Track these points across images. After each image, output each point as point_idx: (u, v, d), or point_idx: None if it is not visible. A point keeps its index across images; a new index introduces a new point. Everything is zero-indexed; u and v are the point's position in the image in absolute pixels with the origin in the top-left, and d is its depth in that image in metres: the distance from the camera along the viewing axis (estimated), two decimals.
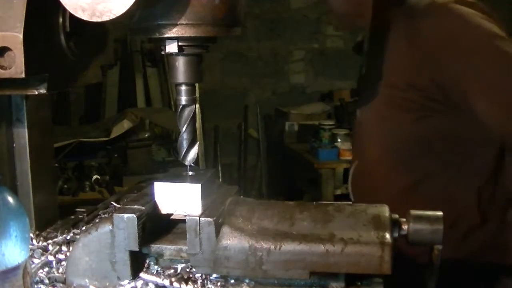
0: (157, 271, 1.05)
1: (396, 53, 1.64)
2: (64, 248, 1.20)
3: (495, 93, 1.53)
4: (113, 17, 0.88)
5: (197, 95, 1.13)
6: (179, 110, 1.08)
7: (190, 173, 1.12)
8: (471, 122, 1.56)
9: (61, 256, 1.16)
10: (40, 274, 1.09)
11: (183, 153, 1.10)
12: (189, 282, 1.01)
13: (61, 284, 1.07)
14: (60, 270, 1.11)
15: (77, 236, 1.21)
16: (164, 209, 1.07)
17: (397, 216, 1.03)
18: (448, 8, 1.59)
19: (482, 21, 1.58)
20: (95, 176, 3.29)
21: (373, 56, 1.78)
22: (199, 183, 1.06)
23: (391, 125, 1.68)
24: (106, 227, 1.02)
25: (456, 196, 1.64)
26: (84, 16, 0.89)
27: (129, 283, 1.02)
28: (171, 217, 1.06)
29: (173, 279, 1.01)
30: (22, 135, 1.30)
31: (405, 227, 1.01)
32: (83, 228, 1.29)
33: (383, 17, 1.69)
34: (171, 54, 1.05)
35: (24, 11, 0.98)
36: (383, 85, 1.67)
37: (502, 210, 1.65)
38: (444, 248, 0.99)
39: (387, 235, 0.96)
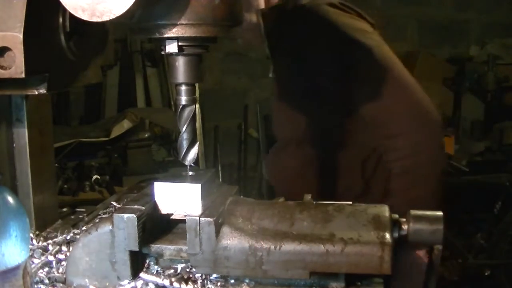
0: (157, 271, 1.05)
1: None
2: (64, 248, 1.20)
3: (365, 81, 1.76)
4: (113, 17, 0.88)
5: (197, 95, 1.13)
6: (179, 110, 1.08)
7: (190, 173, 1.12)
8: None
9: (61, 256, 1.16)
10: (40, 274, 1.09)
11: (183, 153, 1.10)
12: (189, 282, 1.01)
13: (61, 284, 1.07)
14: (60, 270, 1.11)
15: (77, 236, 1.21)
16: (164, 209, 1.07)
17: (397, 216, 1.03)
18: (309, 10, 1.83)
19: (344, 18, 1.81)
20: (95, 176, 3.30)
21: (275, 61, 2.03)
22: (199, 183, 1.06)
23: (292, 113, 1.92)
24: (106, 227, 1.02)
25: (343, 171, 1.86)
26: (84, 16, 0.89)
27: (129, 283, 1.02)
28: (171, 217, 1.06)
29: (173, 279, 1.01)
30: (22, 135, 1.30)
31: (405, 227, 1.01)
32: (83, 228, 1.29)
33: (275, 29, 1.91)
34: (171, 54, 1.05)
35: (24, 11, 0.98)
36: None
37: (385, 180, 1.84)
38: None
39: (387, 235, 0.96)
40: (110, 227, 1.01)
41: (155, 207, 1.07)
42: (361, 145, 1.87)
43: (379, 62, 1.75)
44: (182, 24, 0.98)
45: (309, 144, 1.91)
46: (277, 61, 2.00)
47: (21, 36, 0.97)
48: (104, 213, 1.40)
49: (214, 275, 1.02)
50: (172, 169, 1.18)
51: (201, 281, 1.03)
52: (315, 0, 1.88)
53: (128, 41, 4.81)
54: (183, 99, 1.07)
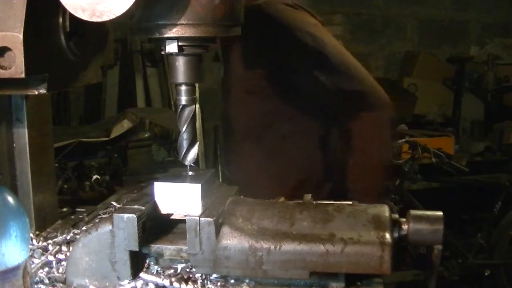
0: (157, 271, 1.05)
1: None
2: (64, 248, 1.20)
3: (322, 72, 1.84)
4: (113, 17, 0.88)
5: (197, 95, 1.13)
6: (179, 110, 1.08)
7: (190, 173, 1.12)
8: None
9: (61, 256, 1.16)
10: (40, 274, 1.09)
11: (183, 153, 1.10)
12: (189, 282, 1.01)
13: (61, 284, 1.07)
14: (60, 270, 1.11)
15: (77, 236, 1.21)
16: (164, 209, 1.07)
17: (397, 216, 1.03)
18: (265, 8, 1.90)
19: (299, 15, 1.91)
20: (95, 176, 3.29)
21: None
22: (199, 183, 1.06)
23: (247, 107, 2.00)
24: (106, 227, 1.02)
25: (303, 162, 1.97)
26: (84, 16, 0.89)
27: (129, 283, 1.02)
28: (171, 217, 1.06)
29: (173, 279, 1.01)
30: (22, 135, 1.30)
31: (405, 227, 1.01)
32: (83, 228, 1.29)
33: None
34: (171, 54, 1.05)
35: (24, 11, 0.98)
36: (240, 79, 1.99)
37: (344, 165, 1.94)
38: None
39: (387, 235, 0.96)
40: (110, 227, 1.01)
41: (155, 207, 1.07)
42: (318, 132, 1.98)
43: (335, 53, 1.86)
44: (182, 24, 0.98)
45: (268, 137, 2.00)
46: (234, 60, 2.05)
47: (21, 36, 0.97)
48: (104, 213, 1.40)
49: (214, 275, 1.02)
50: (172, 169, 1.18)
51: (201, 281, 1.03)
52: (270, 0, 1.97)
53: (128, 41, 4.81)
54: (183, 99, 1.07)
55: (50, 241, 1.23)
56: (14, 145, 1.30)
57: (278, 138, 1.99)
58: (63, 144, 3.27)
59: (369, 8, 5.75)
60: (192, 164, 1.12)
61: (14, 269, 0.89)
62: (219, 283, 1.02)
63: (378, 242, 0.95)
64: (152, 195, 1.08)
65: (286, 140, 1.99)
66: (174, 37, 1.01)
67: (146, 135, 3.87)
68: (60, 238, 1.24)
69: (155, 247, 1.04)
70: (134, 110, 4.18)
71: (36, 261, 1.14)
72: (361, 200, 1.09)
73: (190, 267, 1.03)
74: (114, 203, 1.44)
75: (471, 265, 3.94)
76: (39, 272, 1.10)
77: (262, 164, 2.01)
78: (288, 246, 0.97)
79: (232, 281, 1.02)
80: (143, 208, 1.02)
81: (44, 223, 1.35)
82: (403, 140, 4.01)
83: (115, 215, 1.00)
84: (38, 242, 1.23)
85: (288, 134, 1.98)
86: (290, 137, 1.98)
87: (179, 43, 1.02)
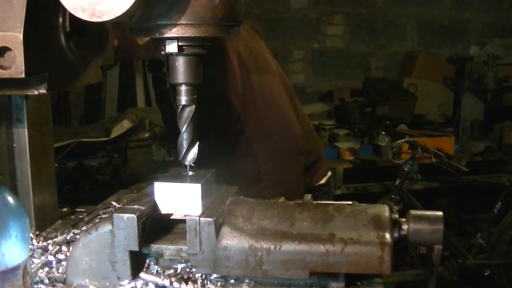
0: (157, 271, 1.05)
1: None
2: (64, 248, 1.20)
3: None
4: (113, 17, 0.88)
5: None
6: (179, 110, 1.08)
7: (190, 173, 1.12)
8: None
9: (61, 256, 1.16)
10: (40, 274, 1.09)
11: (183, 153, 1.10)
12: (189, 282, 1.01)
13: (61, 284, 1.07)
14: (60, 270, 1.11)
15: (77, 236, 1.21)
16: (164, 209, 1.07)
17: (397, 216, 1.03)
18: None
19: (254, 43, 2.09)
20: (95, 176, 3.30)
21: None
22: (199, 183, 1.06)
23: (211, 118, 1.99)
24: (106, 227, 1.02)
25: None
26: (84, 16, 0.89)
27: (129, 283, 1.02)
28: (171, 217, 1.06)
29: (173, 279, 1.01)
30: (22, 135, 1.30)
31: (405, 227, 1.01)
32: (83, 228, 1.29)
33: None
34: (171, 54, 1.05)
35: (24, 11, 0.98)
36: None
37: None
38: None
39: (387, 235, 0.96)
40: (110, 227, 1.01)
41: (155, 207, 1.07)
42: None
43: (266, 93, 2.04)
44: (182, 24, 0.98)
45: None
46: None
47: (21, 36, 0.97)
48: (104, 213, 1.40)
49: (214, 275, 1.02)
50: (172, 169, 1.18)
51: (201, 281, 1.03)
52: None
53: None
54: (183, 99, 1.07)
55: (50, 241, 1.23)
56: (14, 145, 1.30)
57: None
58: (63, 144, 3.27)
59: (369, 8, 5.75)
60: (192, 164, 1.12)
61: (14, 269, 0.89)
62: (219, 283, 1.02)
63: (378, 242, 0.95)
64: (152, 195, 1.08)
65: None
66: (174, 37, 1.01)
67: (146, 135, 3.87)
68: (60, 238, 1.24)
69: (155, 247, 1.04)
70: (134, 110, 4.17)
71: (36, 261, 1.14)
72: None
73: (190, 267, 1.03)
74: (114, 203, 1.44)
75: (471, 265, 3.94)
76: (39, 272, 1.10)
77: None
78: (288, 246, 0.97)
79: (232, 281, 1.02)
80: (143, 208, 1.02)
81: (44, 223, 1.35)
82: (403, 140, 4.01)
83: (115, 215, 1.00)
84: (38, 242, 1.23)
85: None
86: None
87: (179, 43, 1.02)
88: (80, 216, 1.43)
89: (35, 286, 1.06)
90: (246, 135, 2.04)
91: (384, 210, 1.03)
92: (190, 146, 1.10)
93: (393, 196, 3.83)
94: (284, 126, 2.06)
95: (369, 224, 0.99)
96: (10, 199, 0.91)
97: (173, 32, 0.99)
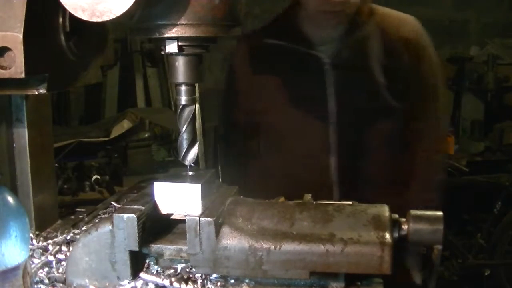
0: (157, 271, 1.05)
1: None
2: (64, 248, 1.20)
3: None
4: (113, 17, 0.88)
5: (197, 95, 1.13)
6: (179, 110, 1.08)
7: (190, 173, 1.12)
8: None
9: (61, 256, 1.16)
10: (40, 274, 1.09)
11: (183, 153, 1.10)
12: (189, 282, 1.01)
13: (61, 284, 1.07)
14: (60, 270, 1.11)
15: (77, 236, 1.21)
16: (164, 209, 1.07)
17: (397, 216, 1.03)
18: None
19: None
20: (95, 176, 3.30)
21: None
22: (199, 183, 1.06)
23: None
24: (106, 227, 1.02)
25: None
26: (84, 16, 0.89)
27: (129, 283, 1.02)
28: (171, 217, 1.06)
29: (173, 279, 1.01)
30: (22, 135, 1.30)
31: (405, 227, 1.01)
32: (83, 228, 1.29)
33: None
34: (171, 54, 1.05)
35: (24, 11, 0.98)
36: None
37: None
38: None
39: (387, 235, 0.96)
40: (110, 227, 1.01)
41: (155, 207, 1.07)
42: None
43: None
44: (182, 24, 0.98)
45: None
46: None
47: (21, 36, 0.97)
48: (104, 213, 1.40)
49: (214, 275, 1.02)
50: (172, 169, 1.18)
51: (201, 281, 1.03)
52: None
53: (128, 41, 4.80)
54: (183, 99, 1.07)
55: (50, 241, 1.23)
56: (14, 145, 1.30)
57: None
58: (63, 144, 3.27)
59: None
60: (192, 164, 1.12)
61: (14, 269, 0.89)
62: (219, 283, 1.02)
63: (378, 242, 0.95)
64: (152, 195, 1.08)
65: None
66: (174, 37, 1.01)
67: (146, 135, 3.87)
68: (60, 238, 1.24)
69: (155, 247, 1.04)
70: (134, 110, 4.18)
71: (36, 261, 1.14)
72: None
73: (190, 267, 1.03)
74: (114, 203, 1.44)
75: (471, 265, 3.94)
76: (39, 272, 1.10)
77: None
78: (288, 246, 0.97)
79: (232, 281, 1.02)
80: (143, 208, 1.02)
81: (44, 223, 1.35)
82: None
83: (115, 215, 1.00)
84: (38, 242, 1.23)
85: None
86: None
87: (179, 43, 1.02)
88: (80, 216, 1.43)
89: (35, 286, 1.06)
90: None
91: (384, 210, 1.03)
92: (190, 146, 1.10)
93: None
94: None
95: (369, 224, 0.99)
96: (10, 199, 0.91)
97: (173, 32, 0.99)
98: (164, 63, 4.78)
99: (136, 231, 0.99)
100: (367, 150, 1.84)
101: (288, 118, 1.84)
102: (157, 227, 1.07)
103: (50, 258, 1.15)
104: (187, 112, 1.08)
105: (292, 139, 1.86)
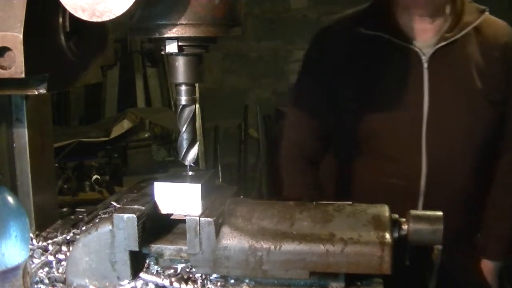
0: (157, 271, 1.05)
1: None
2: (64, 248, 1.20)
3: None
4: (113, 17, 0.88)
5: (197, 95, 1.13)
6: (179, 110, 1.08)
7: (190, 173, 1.12)
8: None
9: (61, 256, 1.16)
10: (40, 274, 1.09)
11: (183, 153, 1.10)
12: (189, 282, 1.01)
13: (61, 284, 1.07)
14: (60, 270, 1.11)
15: (77, 236, 1.21)
16: (164, 209, 1.07)
17: (397, 216, 1.03)
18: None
19: None
20: (95, 176, 3.30)
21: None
22: (199, 183, 1.06)
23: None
24: (106, 227, 1.02)
25: None
26: (84, 16, 0.89)
27: (129, 283, 1.02)
28: (171, 217, 1.06)
29: (173, 279, 1.01)
30: (22, 135, 1.30)
31: (405, 227, 1.01)
32: (83, 228, 1.29)
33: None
34: (171, 54, 1.05)
35: (24, 11, 0.98)
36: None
37: None
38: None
39: (387, 235, 0.96)
40: (110, 227, 1.01)
41: (155, 207, 1.07)
42: None
43: None
44: (182, 24, 0.98)
45: None
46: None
47: (21, 36, 0.97)
48: (104, 213, 1.40)
49: (214, 275, 1.02)
50: (172, 169, 1.18)
51: (201, 281, 1.03)
52: None
53: (128, 41, 4.80)
54: (183, 99, 1.07)
55: (50, 241, 1.23)
56: (14, 145, 1.30)
57: None
58: (63, 144, 3.27)
59: None
60: (192, 164, 1.12)
61: (14, 269, 0.89)
62: (219, 283, 1.02)
63: (378, 242, 0.95)
64: (152, 195, 1.08)
65: None
66: (174, 37, 1.01)
67: (146, 135, 3.87)
68: (60, 238, 1.24)
69: (155, 247, 1.04)
70: (134, 110, 4.17)
71: (36, 261, 1.14)
72: None
73: (190, 267, 1.03)
74: (114, 203, 1.44)
75: None
76: (39, 272, 1.10)
77: None
78: (288, 246, 0.97)
79: (232, 281, 1.02)
80: (143, 208, 1.02)
81: (44, 223, 1.35)
82: None
83: (115, 215, 1.00)
84: (38, 242, 1.23)
85: None
86: None
87: (179, 43, 1.02)
88: (80, 216, 1.43)
89: (35, 286, 1.06)
90: None
91: (384, 210, 1.03)
92: (190, 146, 1.10)
93: None
94: None
95: (369, 224, 0.99)
96: (10, 199, 0.91)
97: (173, 32, 0.99)
98: (164, 63, 4.79)
99: (136, 231, 0.99)
100: (459, 157, 1.73)
101: (380, 115, 1.72)
102: (157, 227, 1.07)
103: (50, 258, 1.15)
104: (187, 112, 1.08)
105: (382, 139, 1.75)
